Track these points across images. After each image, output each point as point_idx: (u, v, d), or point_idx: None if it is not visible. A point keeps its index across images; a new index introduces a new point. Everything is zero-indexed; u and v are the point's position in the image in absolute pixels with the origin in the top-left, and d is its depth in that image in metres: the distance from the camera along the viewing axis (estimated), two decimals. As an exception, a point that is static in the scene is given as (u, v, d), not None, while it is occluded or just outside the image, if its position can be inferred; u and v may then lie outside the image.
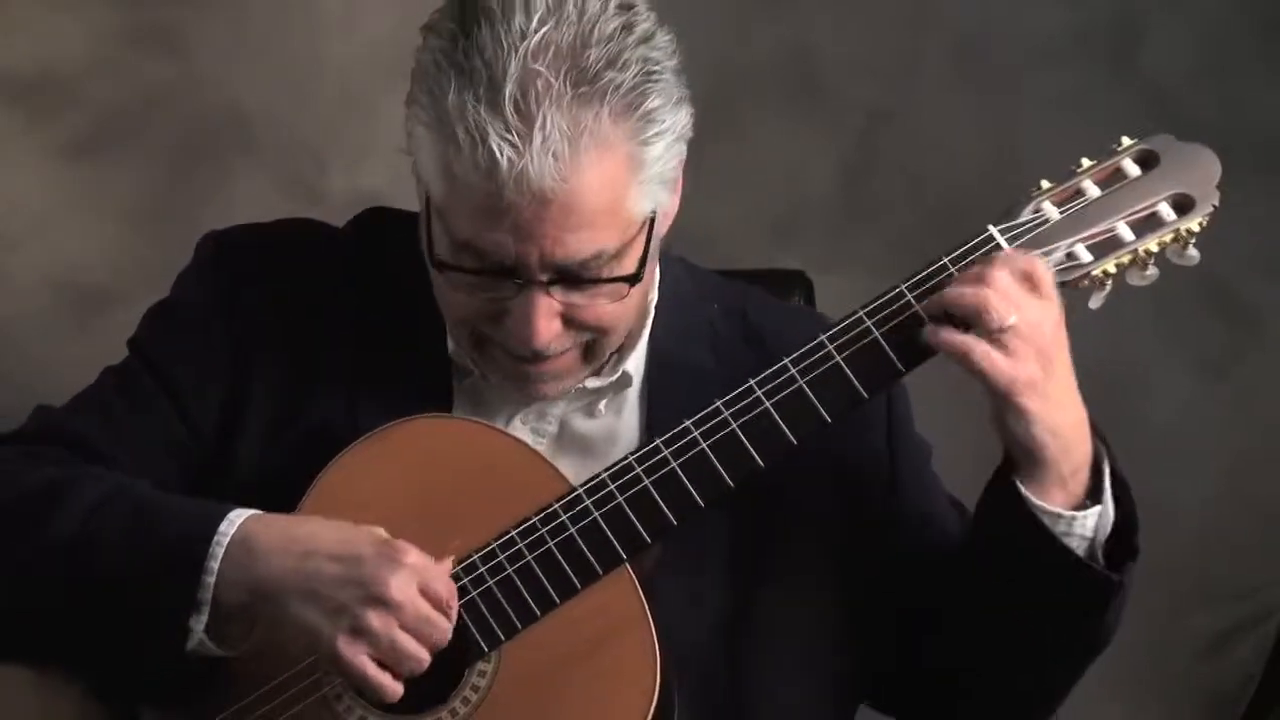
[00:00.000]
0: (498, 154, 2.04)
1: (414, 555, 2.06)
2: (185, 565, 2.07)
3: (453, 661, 2.14)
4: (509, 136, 2.04)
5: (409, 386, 2.23)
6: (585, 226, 2.08)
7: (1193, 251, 2.20)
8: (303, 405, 2.22)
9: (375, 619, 2.04)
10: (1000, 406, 2.13)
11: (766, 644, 2.24)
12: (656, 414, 2.26)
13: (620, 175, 2.08)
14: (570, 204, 2.06)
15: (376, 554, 2.05)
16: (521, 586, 2.14)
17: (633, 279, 2.13)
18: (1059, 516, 2.15)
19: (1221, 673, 3.95)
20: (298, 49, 3.67)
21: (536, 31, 2.06)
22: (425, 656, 2.06)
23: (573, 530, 2.14)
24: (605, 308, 2.14)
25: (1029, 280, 2.12)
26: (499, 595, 2.14)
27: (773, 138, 3.79)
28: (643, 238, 2.13)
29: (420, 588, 2.06)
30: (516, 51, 2.05)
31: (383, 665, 2.06)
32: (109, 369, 2.28)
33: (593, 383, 2.25)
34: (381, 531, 2.09)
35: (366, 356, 2.23)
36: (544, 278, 2.10)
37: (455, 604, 2.08)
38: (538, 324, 2.11)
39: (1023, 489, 2.15)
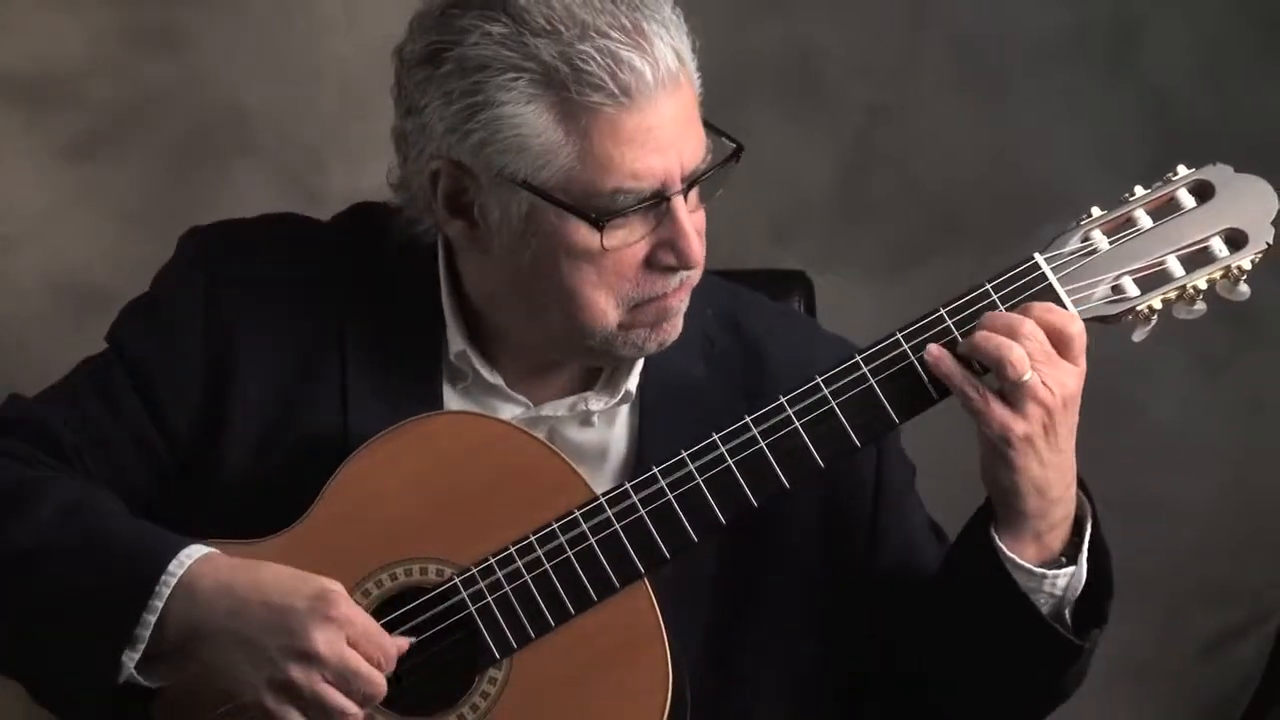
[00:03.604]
0: (638, 64, 2.07)
1: (343, 608, 2.06)
2: (129, 601, 2.07)
3: (464, 666, 2.13)
4: (632, 46, 2.07)
5: (401, 389, 2.22)
6: (695, 117, 2.13)
7: (1243, 288, 2.15)
8: (293, 410, 2.21)
9: (297, 671, 2.05)
10: (990, 453, 2.13)
11: (752, 661, 2.25)
12: (648, 428, 2.25)
13: (688, 58, 2.14)
14: (687, 92, 2.12)
15: (308, 606, 2.05)
16: (537, 594, 2.13)
17: (737, 152, 2.16)
18: (1030, 573, 2.15)
19: (1221, 673, 3.95)
20: (298, 49, 3.67)
21: None
22: (353, 709, 2.06)
23: (592, 540, 2.13)
24: (703, 209, 2.18)
25: (1061, 339, 2.11)
26: (514, 602, 2.13)
27: (772, 137, 3.79)
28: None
29: (350, 641, 2.06)
30: None
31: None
32: (86, 360, 2.27)
33: (595, 404, 2.25)
34: (331, 584, 2.08)
35: (357, 358, 2.22)
36: (681, 187, 2.12)
37: (390, 661, 2.08)
38: (692, 234, 2.13)
39: (997, 540, 2.15)
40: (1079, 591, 2.17)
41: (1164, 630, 3.89)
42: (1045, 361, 2.09)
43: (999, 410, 2.10)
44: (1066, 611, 2.17)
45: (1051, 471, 2.12)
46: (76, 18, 3.60)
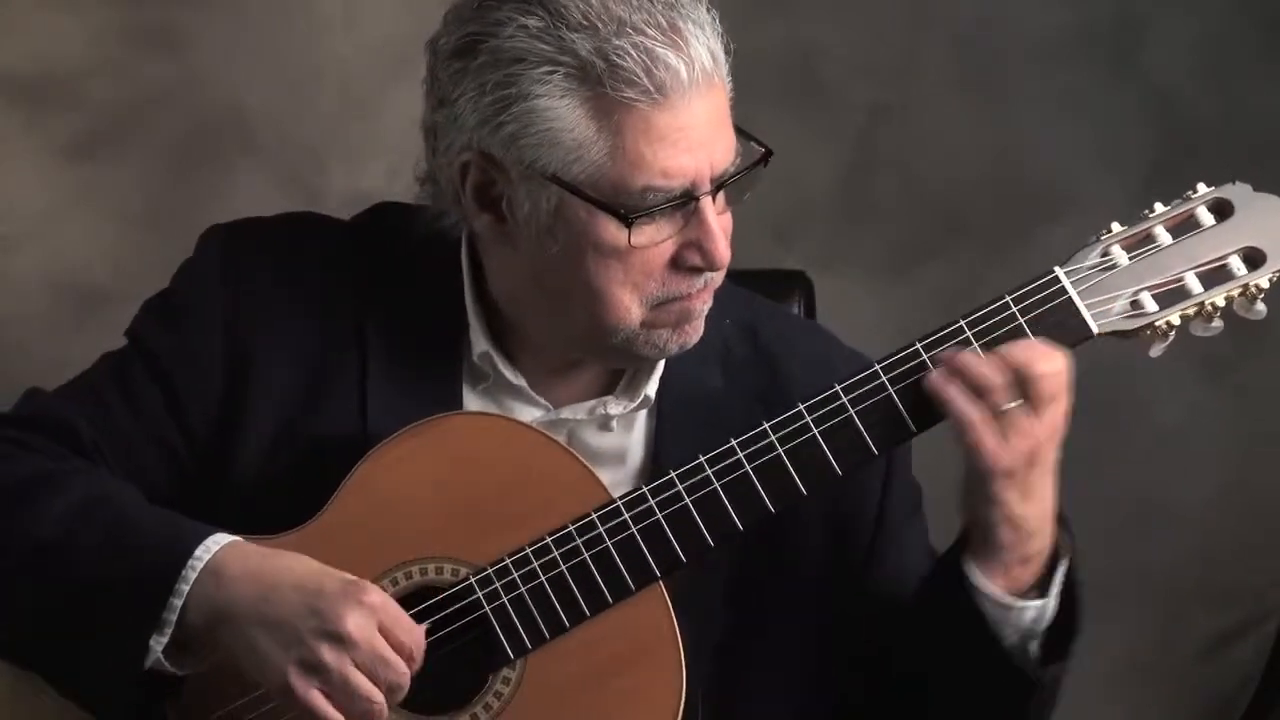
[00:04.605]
0: (673, 62, 2.07)
1: (376, 595, 2.06)
2: (155, 585, 2.06)
3: (477, 665, 2.13)
4: (668, 44, 2.07)
5: (420, 389, 2.21)
6: (726, 119, 2.14)
7: (1260, 306, 2.15)
8: (311, 409, 2.21)
9: (328, 653, 2.03)
10: (973, 483, 2.13)
11: (755, 669, 2.24)
12: (665, 434, 2.25)
13: (722, 60, 2.14)
14: (720, 93, 2.12)
15: (340, 590, 2.05)
16: (553, 595, 2.12)
17: (766, 156, 2.16)
18: (997, 602, 2.15)
19: (1221, 673, 3.95)
20: (298, 49, 3.67)
21: None
22: (378, 698, 2.05)
23: (609, 543, 2.12)
24: (730, 213, 2.17)
25: (1029, 379, 2.10)
26: (529, 602, 2.12)
27: (773, 137, 3.78)
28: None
29: (381, 629, 2.05)
30: None
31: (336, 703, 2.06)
32: (107, 355, 2.26)
33: (615, 408, 2.24)
34: (352, 578, 2.08)
35: (376, 357, 2.22)
36: (710, 189, 2.12)
37: (420, 653, 2.07)
38: (719, 235, 2.13)
39: (966, 568, 2.14)
40: (1045, 625, 2.16)
41: (1165, 631, 3.89)
42: (1034, 397, 2.09)
43: (992, 443, 2.10)
44: (1034, 644, 2.17)
45: (1031, 506, 2.12)
46: (76, 18, 3.60)
